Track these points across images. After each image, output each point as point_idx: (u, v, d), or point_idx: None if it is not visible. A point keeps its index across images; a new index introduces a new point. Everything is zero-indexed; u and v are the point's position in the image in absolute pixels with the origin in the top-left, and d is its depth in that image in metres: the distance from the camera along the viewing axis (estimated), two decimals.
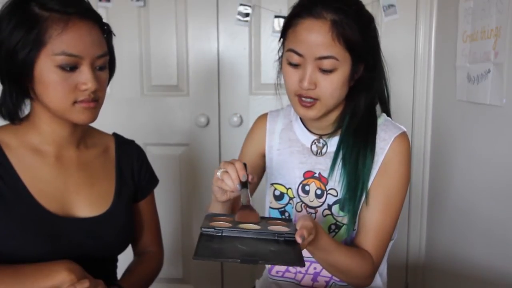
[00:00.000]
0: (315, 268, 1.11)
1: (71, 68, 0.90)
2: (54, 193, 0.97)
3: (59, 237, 0.95)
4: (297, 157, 1.11)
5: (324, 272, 1.10)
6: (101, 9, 2.00)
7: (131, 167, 1.11)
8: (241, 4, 1.98)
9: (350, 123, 1.04)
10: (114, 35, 1.01)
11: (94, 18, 0.94)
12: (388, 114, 1.11)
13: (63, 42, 0.88)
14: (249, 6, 1.98)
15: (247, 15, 1.99)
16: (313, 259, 1.04)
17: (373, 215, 1.02)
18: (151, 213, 1.19)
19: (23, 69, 0.89)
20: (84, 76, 0.90)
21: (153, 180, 1.18)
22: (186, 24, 2.04)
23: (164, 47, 2.07)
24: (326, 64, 0.93)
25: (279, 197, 1.13)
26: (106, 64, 0.96)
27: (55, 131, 0.98)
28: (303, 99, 0.98)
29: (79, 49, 0.89)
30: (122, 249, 1.08)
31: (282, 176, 1.12)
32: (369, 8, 1.99)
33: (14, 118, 0.97)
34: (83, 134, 1.04)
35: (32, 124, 0.98)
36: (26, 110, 0.99)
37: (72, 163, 1.02)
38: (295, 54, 0.95)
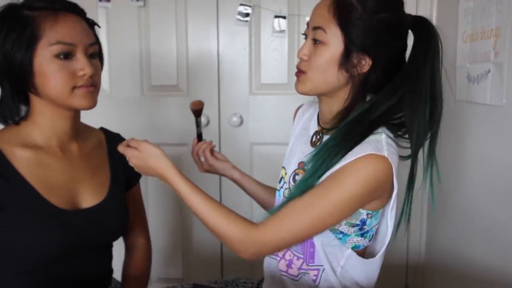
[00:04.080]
0: (289, 256, 1.11)
1: (67, 55, 0.95)
2: (61, 187, 1.01)
3: (68, 231, 0.99)
4: (302, 146, 1.14)
5: (296, 262, 1.09)
6: (101, 9, 2.00)
7: (121, 157, 1.14)
8: (241, 4, 1.98)
9: (346, 123, 1.01)
10: (99, 27, 1.08)
11: (79, 13, 1.00)
12: (414, 156, 1.04)
13: (57, 32, 0.94)
14: (249, 6, 1.98)
15: (247, 15, 1.99)
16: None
17: (296, 200, 0.96)
18: (139, 201, 1.26)
19: (23, 67, 0.93)
20: (80, 62, 0.96)
21: None
22: (186, 24, 2.04)
23: (164, 47, 2.06)
24: (317, 34, 0.99)
25: (280, 180, 1.17)
26: (97, 52, 1.03)
27: (56, 125, 1.01)
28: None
29: (72, 37, 0.95)
30: (118, 235, 1.15)
31: (287, 161, 1.17)
32: None
33: (14, 121, 0.99)
34: (79, 128, 1.09)
35: (33, 123, 1.01)
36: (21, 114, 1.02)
37: (74, 155, 1.06)
38: (307, 25, 1.04)
